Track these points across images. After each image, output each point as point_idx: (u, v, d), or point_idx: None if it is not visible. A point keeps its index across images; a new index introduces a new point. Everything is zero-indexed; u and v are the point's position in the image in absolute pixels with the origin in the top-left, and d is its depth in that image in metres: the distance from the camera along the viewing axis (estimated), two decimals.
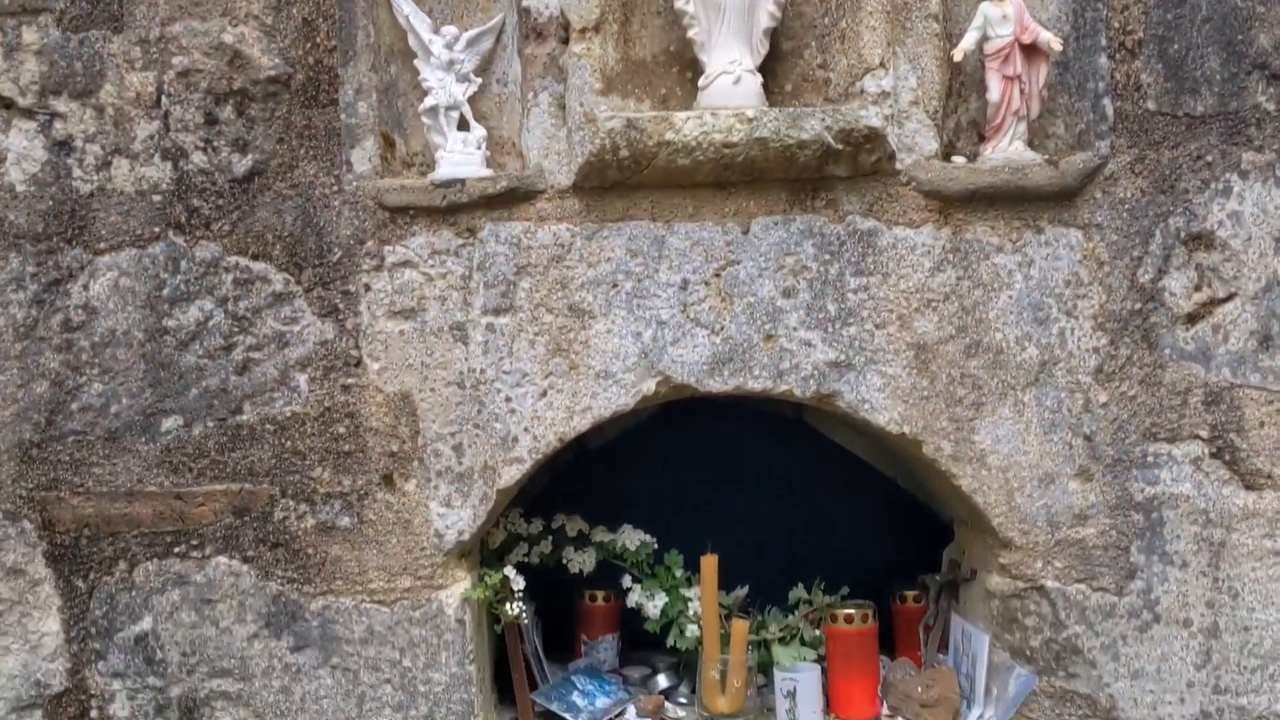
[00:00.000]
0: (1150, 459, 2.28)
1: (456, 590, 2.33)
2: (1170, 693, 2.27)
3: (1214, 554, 2.27)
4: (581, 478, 3.02)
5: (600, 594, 2.75)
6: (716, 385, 2.32)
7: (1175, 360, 2.28)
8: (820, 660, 2.53)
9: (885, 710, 2.48)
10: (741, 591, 2.64)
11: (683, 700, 2.62)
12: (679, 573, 2.62)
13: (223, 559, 2.32)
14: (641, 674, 2.74)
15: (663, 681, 2.68)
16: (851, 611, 2.50)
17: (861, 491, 3.04)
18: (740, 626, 2.44)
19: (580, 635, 2.78)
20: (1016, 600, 2.32)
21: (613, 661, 2.77)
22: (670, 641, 2.59)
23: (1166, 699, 2.27)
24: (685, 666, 2.73)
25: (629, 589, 2.61)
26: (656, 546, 2.67)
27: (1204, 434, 2.27)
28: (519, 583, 2.40)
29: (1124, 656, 2.27)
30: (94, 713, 2.32)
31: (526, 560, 2.57)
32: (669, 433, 3.12)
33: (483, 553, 2.52)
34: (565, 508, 2.75)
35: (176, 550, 2.32)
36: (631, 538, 2.62)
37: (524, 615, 2.41)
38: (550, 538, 2.63)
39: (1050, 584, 2.29)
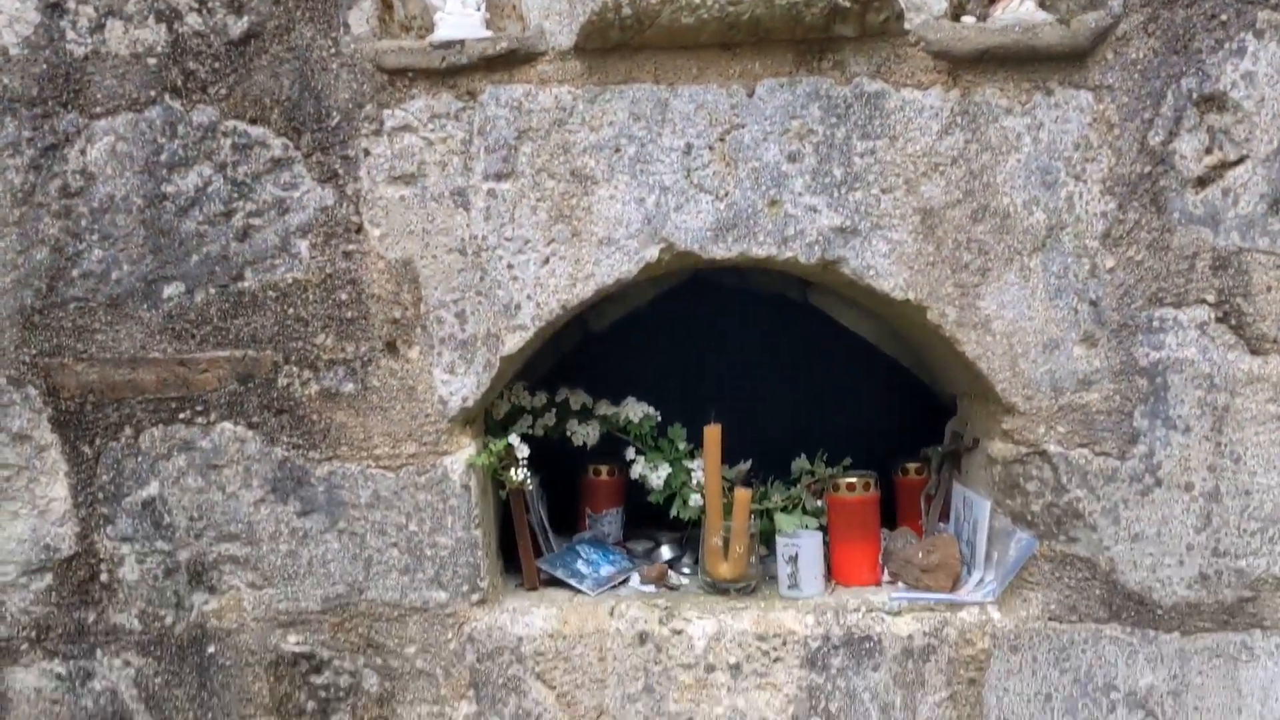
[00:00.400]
0: (1156, 324, 2.27)
1: (461, 456, 2.34)
2: (1170, 555, 2.29)
3: (1217, 419, 2.27)
4: (586, 361, 3.02)
5: (604, 468, 2.77)
6: (720, 252, 2.31)
7: (1183, 224, 2.26)
8: (822, 530, 2.55)
9: (886, 577, 2.51)
10: (744, 466, 2.66)
11: (685, 571, 2.64)
12: (682, 445, 2.63)
13: (228, 425, 2.32)
14: (645, 547, 2.77)
15: (666, 553, 2.71)
16: (853, 480, 2.51)
17: (866, 373, 3.04)
18: (743, 494, 2.45)
19: (584, 509, 2.81)
20: (1019, 466, 2.32)
21: (617, 535, 2.80)
22: (673, 512, 2.61)
23: (1166, 561, 2.29)
24: (688, 542, 2.76)
25: (632, 461, 2.62)
26: (660, 420, 2.67)
27: (1210, 299, 2.26)
28: (523, 450, 2.41)
29: (1124, 520, 2.29)
30: (104, 576, 2.35)
31: (531, 433, 2.58)
32: (674, 316, 3.12)
33: (487, 424, 2.53)
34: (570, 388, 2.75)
35: (182, 416, 2.32)
36: (635, 410, 2.62)
37: (528, 482, 2.43)
38: (554, 410, 2.63)
39: (1053, 449, 2.29)
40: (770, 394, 3.16)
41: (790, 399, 3.15)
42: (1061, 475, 2.29)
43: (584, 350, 3.04)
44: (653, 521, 2.85)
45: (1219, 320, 2.26)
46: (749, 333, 3.21)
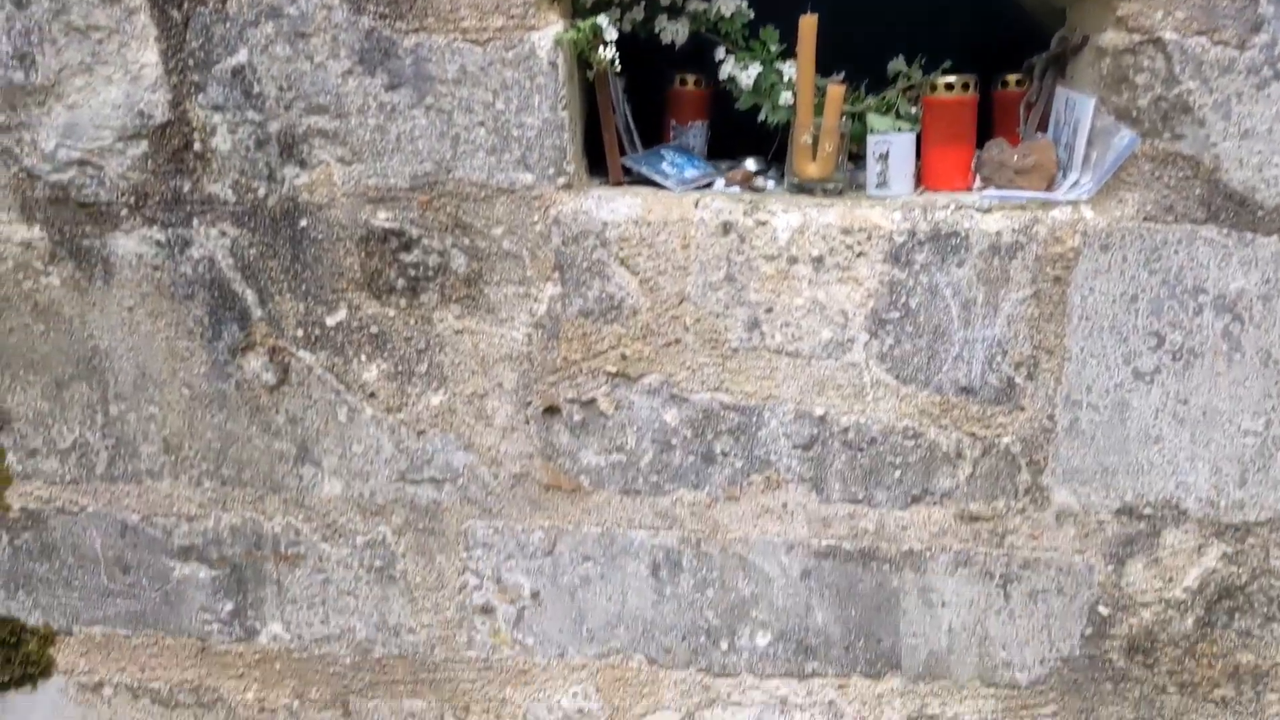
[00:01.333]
0: None
1: (549, 33, 2.28)
2: (1279, 154, 2.20)
3: None
4: None
5: (690, 78, 2.71)
6: None
7: None
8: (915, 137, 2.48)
9: (978, 183, 2.46)
10: (838, 76, 2.57)
11: (770, 181, 2.61)
12: (774, 47, 2.53)
13: None
14: (729, 164, 2.74)
15: (751, 165, 2.67)
16: (952, 80, 2.41)
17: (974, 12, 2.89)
18: (836, 90, 2.38)
19: (669, 122, 2.76)
20: (1129, 56, 2.21)
21: (701, 148, 2.76)
22: (761, 116, 2.54)
23: (1274, 160, 2.20)
24: (773, 159, 2.72)
25: (722, 61, 2.54)
26: (752, 19, 2.57)
27: None
28: (611, 33, 2.35)
29: (1236, 115, 2.19)
30: (197, 145, 2.38)
31: (619, 27, 2.50)
32: None
33: (575, 9, 2.46)
34: None
35: None
36: (727, 4, 2.51)
37: (616, 65, 2.37)
38: (643, 3, 2.54)
39: (1168, 36, 2.17)
40: (868, 27, 3.03)
41: (888, 32, 3.01)
42: (1175, 65, 2.18)
43: None
44: (737, 148, 2.80)
45: None
46: None
